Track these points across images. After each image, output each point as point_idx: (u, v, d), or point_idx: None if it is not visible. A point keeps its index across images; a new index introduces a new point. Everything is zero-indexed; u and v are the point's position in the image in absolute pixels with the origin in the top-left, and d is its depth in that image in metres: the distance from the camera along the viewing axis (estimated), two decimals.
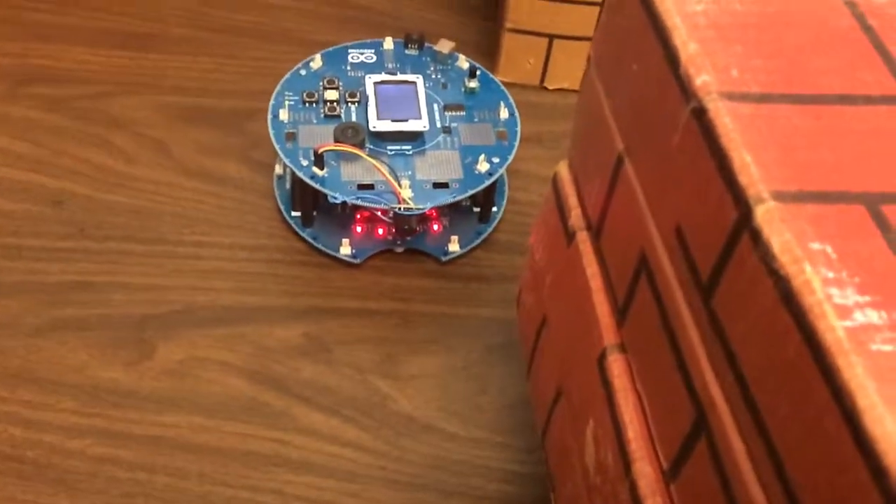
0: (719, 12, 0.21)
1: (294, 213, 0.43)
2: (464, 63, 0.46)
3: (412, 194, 0.40)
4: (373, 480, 0.36)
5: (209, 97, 0.49)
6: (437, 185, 0.41)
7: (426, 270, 0.43)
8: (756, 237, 0.16)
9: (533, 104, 0.52)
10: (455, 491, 0.37)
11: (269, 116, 0.43)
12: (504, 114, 0.44)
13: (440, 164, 0.42)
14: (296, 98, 0.44)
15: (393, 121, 0.41)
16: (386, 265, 0.43)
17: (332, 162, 0.41)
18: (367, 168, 0.41)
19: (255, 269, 0.42)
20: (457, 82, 0.45)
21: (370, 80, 0.43)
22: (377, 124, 0.41)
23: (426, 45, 0.46)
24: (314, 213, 0.43)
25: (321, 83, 0.44)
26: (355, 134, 0.41)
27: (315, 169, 0.40)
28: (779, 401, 0.16)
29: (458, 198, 0.41)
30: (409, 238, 0.43)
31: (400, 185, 0.40)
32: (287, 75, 0.45)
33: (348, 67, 0.45)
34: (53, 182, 0.44)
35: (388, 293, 0.42)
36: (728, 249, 0.17)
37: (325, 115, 0.43)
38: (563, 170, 0.29)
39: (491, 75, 0.46)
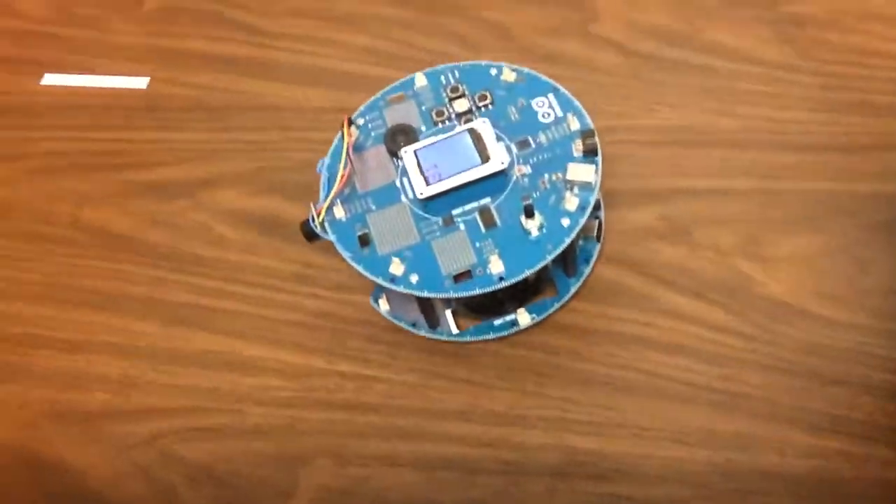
0: None
1: None
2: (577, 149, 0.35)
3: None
4: (744, 364, 0.36)
5: None
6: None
7: None
8: None
9: None
10: (835, 379, 0.35)
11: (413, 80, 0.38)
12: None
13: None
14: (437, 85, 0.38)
15: (440, 180, 0.34)
16: None
17: None
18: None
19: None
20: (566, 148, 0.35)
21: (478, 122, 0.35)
22: (424, 190, 0.34)
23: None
24: None
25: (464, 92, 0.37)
26: (405, 140, 0.36)
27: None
28: None
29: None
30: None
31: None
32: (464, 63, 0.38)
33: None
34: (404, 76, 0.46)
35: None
36: None
37: (434, 120, 0.37)
38: None
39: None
